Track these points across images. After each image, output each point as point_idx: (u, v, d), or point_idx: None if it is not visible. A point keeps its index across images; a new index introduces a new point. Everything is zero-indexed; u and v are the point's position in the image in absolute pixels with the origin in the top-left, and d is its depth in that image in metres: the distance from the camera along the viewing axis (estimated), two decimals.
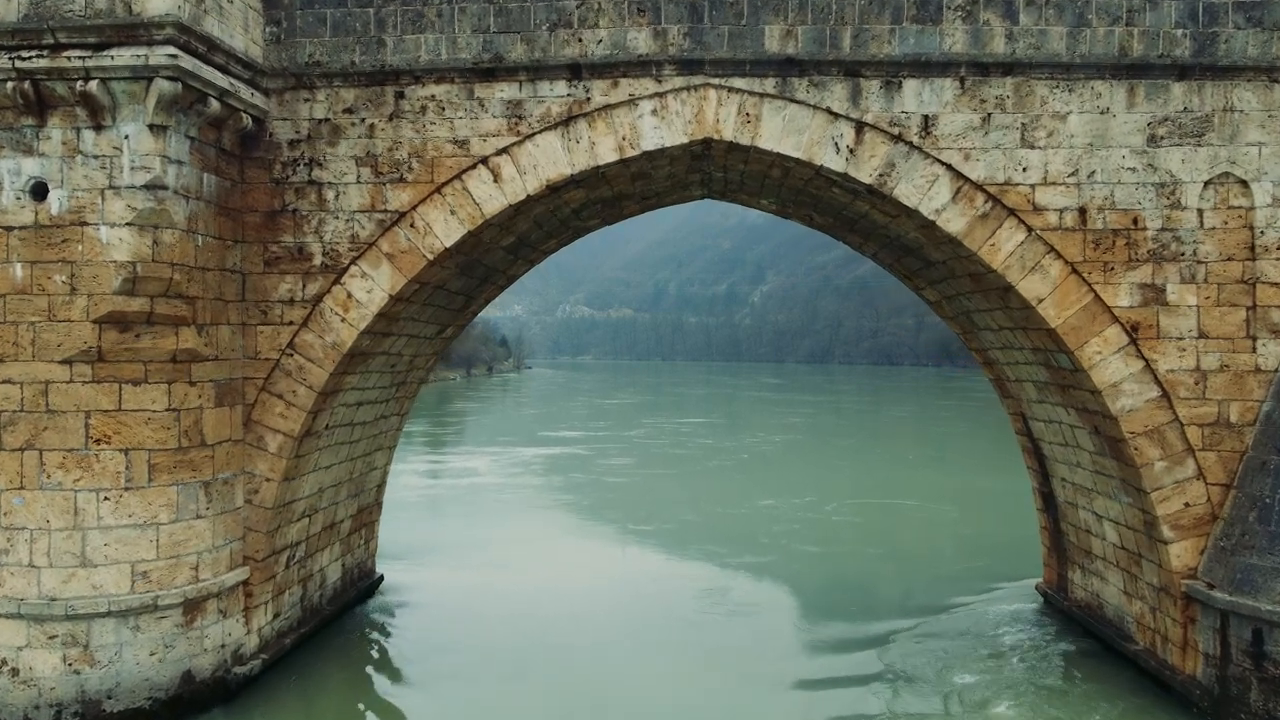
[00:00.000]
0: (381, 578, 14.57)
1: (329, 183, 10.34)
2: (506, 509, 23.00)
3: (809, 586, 15.75)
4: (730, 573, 16.55)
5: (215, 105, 9.35)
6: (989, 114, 10.08)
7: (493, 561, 16.99)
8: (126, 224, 8.90)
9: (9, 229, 9.01)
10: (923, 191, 10.09)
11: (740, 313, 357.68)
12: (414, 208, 10.28)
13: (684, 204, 14.38)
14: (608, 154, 10.25)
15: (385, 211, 10.29)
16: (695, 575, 16.36)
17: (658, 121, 10.20)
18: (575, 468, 31.74)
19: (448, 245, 10.30)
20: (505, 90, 10.28)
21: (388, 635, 12.99)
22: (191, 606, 9.53)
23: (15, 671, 9.02)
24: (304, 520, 11.40)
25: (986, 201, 10.06)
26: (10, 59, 8.73)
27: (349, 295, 10.31)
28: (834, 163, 10.14)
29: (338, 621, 12.86)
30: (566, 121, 10.23)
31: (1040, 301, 10.05)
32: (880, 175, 10.11)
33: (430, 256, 10.30)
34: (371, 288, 10.30)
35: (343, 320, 10.31)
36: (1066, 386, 10.91)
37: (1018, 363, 12.00)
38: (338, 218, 10.33)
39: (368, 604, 13.88)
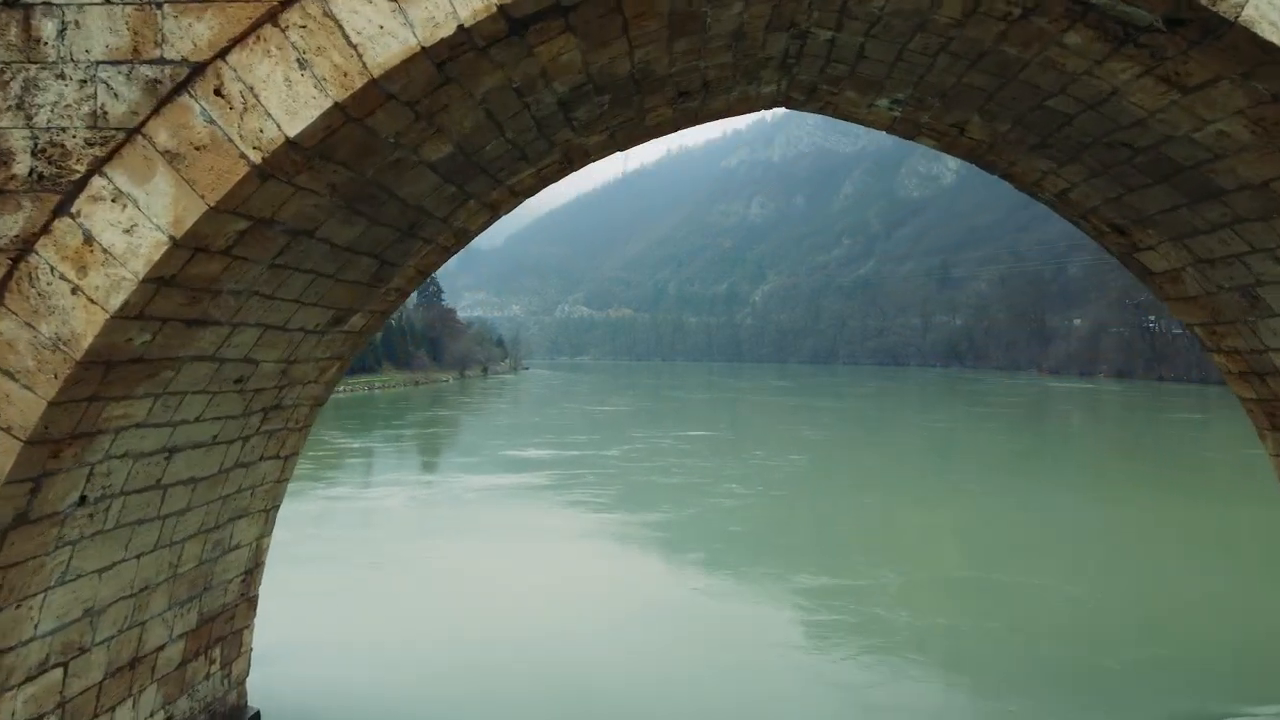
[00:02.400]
0: (256, 716, 9.23)
1: (46, 1, 5.02)
2: (428, 577, 17.09)
3: None
4: None
5: None
6: None
7: (416, 666, 11.71)
8: None
9: None
10: None
11: (741, 312, 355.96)
12: (221, 55, 4.95)
13: (741, 117, 9.11)
14: None
15: (162, 63, 4.96)
16: None
17: None
18: (527, 507, 25.02)
19: (291, 135, 4.97)
20: None
21: None
22: None
23: None
24: (51, 674, 6.08)
25: None
26: None
27: (89, 239, 4.98)
28: None
29: None
30: None
31: None
32: None
33: (257, 160, 4.97)
34: (136, 223, 4.97)
35: (75, 291, 4.99)
36: None
37: None
38: (64, 78, 5.00)
39: None
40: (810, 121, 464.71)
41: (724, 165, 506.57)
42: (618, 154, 8.67)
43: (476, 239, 9.02)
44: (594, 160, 8.55)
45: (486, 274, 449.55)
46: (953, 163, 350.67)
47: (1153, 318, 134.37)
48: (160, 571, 7.10)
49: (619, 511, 24.86)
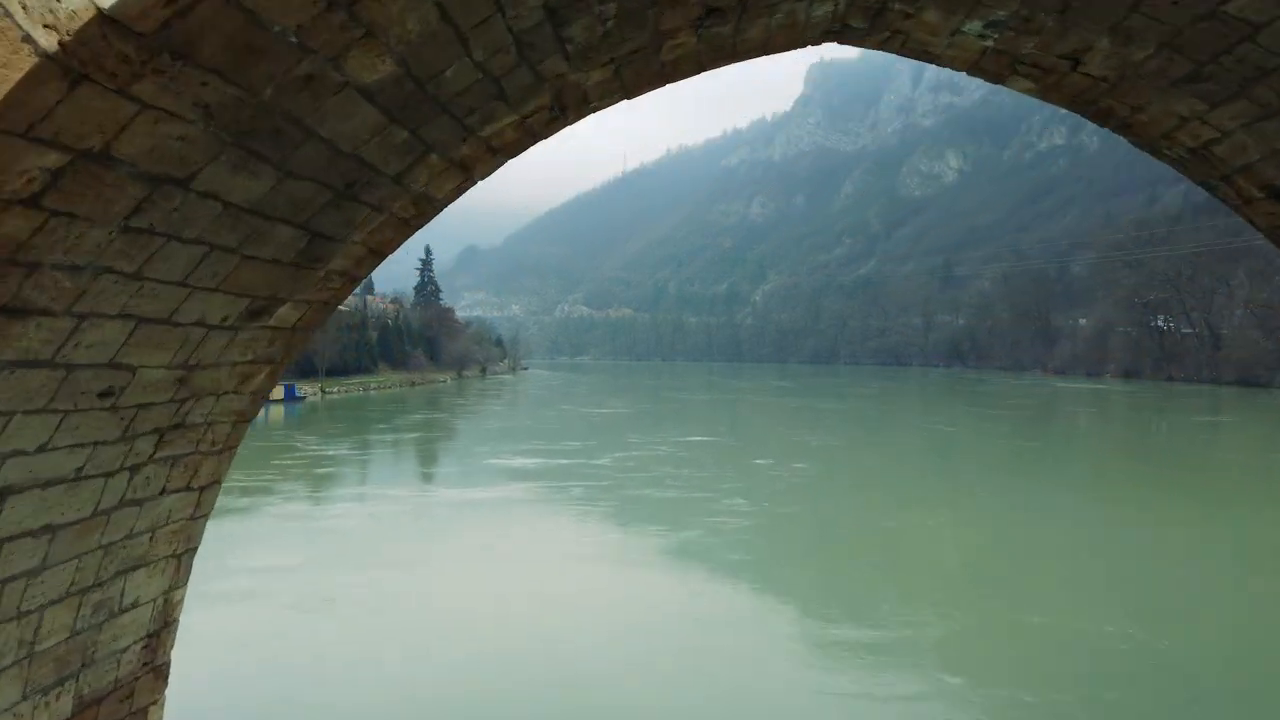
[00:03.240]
0: None
1: None
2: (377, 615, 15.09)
3: None
4: None
5: None
6: None
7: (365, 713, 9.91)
8: None
9: None
10: None
11: (742, 312, 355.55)
12: None
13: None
14: None
15: None
16: None
17: None
18: (505, 528, 22.65)
19: (105, 6, 3.16)
20: None
21: None
22: None
23: None
24: None
25: None
26: None
27: None
28: None
29: None
30: None
31: None
32: None
33: (51, 47, 3.14)
34: None
35: None
36: None
37: None
38: None
39: None
40: (811, 120, 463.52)
41: (724, 165, 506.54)
42: (622, 100, 6.82)
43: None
44: (593, 108, 6.69)
45: (486, 274, 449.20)
46: (954, 161, 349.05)
47: (1161, 317, 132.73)
48: (4, 653, 5.26)
49: (606, 534, 22.67)
